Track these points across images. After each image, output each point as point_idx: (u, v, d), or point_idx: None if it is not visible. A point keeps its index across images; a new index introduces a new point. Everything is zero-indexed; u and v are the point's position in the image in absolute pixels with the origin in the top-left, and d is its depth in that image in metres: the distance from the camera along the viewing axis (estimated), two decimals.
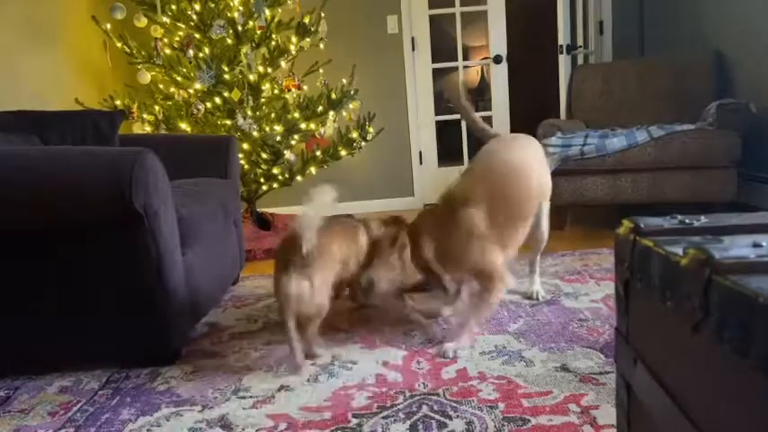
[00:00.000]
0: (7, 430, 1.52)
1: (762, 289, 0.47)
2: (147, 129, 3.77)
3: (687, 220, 0.73)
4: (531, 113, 4.97)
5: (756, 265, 0.53)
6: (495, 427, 1.37)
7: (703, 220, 0.72)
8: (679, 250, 0.62)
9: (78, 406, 1.65)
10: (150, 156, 1.77)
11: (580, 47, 4.97)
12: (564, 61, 4.74)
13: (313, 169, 4.17)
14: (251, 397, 1.63)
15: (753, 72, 3.55)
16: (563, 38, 4.73)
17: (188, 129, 3.77)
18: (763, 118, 3.29)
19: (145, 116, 3.78)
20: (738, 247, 0.57)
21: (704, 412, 0.58)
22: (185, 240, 1.98)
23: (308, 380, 1.71)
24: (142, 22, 3.78)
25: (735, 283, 0.50)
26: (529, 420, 1.39)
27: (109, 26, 3.74)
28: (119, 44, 3.76)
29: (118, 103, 3.77)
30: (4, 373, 1.88)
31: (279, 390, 1.66)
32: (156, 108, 3.82)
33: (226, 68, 3.73)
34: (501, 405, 1.47)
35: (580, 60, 5.02)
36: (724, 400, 0.54)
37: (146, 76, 3.82)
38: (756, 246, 0.58)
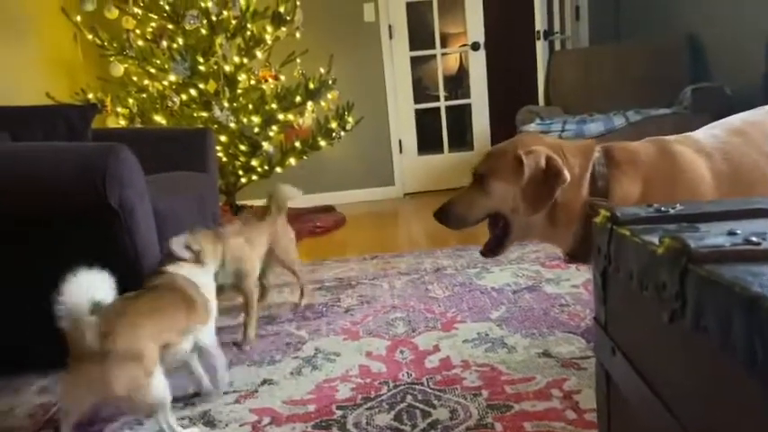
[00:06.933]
0: None
1: (737, 278, 0.48)
2: (122, 122, 3.71)
3: (663, 208, 0.73)
4: (510, 100, 4.99)
5: (732, 253, 0.53)
6: (478, 414, 1.37)
7: (679, 207, 0.73)
8: (655, 239, 0.62)
9: (58, 406, 1.62)
10: (124, 150, 1.74)
11: (557, 33, 4.98)
12: (541, 47, 4.75)
13: (292, 160, 4.15)
14: (234, 392, 1.61)
15: (727, 55, 3.59)
16: (540, 24, 4.74)
17: (163, 122, 3.72)
18: (738, 101, 3.33)
19: (119, 109, 3.71)
20: (714, 236, 0.58)
21: (681, 400, 0.58)
22: (163, 235, 1.95)
23: (292, 373, 1.70)
24: (113, 13, 3.70)
25: (711, 272, 0.50)
26: (512, 407, 1.40)
27: (79, 18, 3.66)
28: (90, 36, 3.68)
29: (90, 96, 3.70)
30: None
31: (262, 384, 1.65)
32: (131, 101, 3.76)
33: (201, 59, 3.68)
34: (484, 392, 1.48)
35: (557, 46, 5.03)
36: (701, 389, 0.54)
37: (118, 69, 3.75)
38: (732, 234, 0.58)
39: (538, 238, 1.49)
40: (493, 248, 1.47)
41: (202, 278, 1.60)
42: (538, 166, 1.31)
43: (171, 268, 1.56)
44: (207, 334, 1.55)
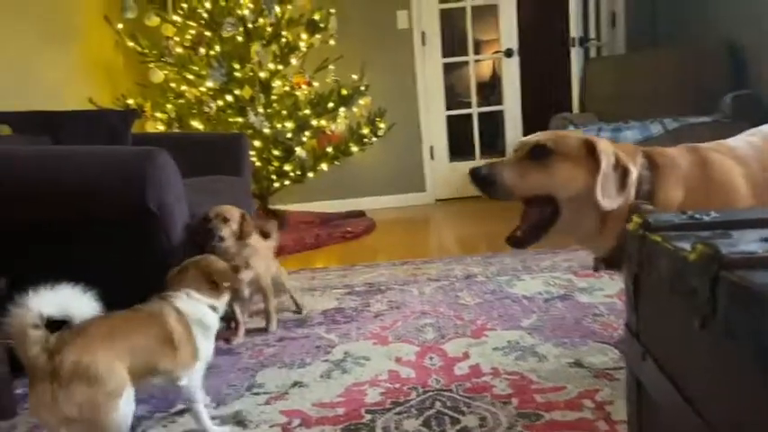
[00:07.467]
0: (26, 428, 1.55)
1: None
2: (160, 127, 3.81)
3: (697, 215, 0.72)
4: (543, 107, 4.95)
5: (764, 260, 0.53)
6: (508, 422, 1.36)
7: (713, 214, 0.72)
8: (687, 246, 0.61)
9: None
10: (163, 154, 1.79)
11: (592, 39, 4.93)
12: (576, 54, 4.70)
13: (324, 166, 4.19)
14: (265, 393, 1.64)
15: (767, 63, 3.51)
16: (575, 30, 4.70)
17: (200, 127, 3.80)
18: None
19: (157, 115, 3.82)
20: (746, 243, 0.57)
21: (712, 406, 0.58)
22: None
23: (322, 376, 1.72)
24: (153, 21, 3.82)
25: (742, 278, 0.50)
26: (542, 416, 1.38)
27: (121, 26, 3.78)
28: (131, 43, 3.79)
29: (131, 102, 3.81)
30: (21, 370, 1.90)
31: (292, 386, 1.67)
32: (169, 106, 3.86)
33: (237, 66, 3.75)
34: (514, 401, 1.47)
35: (592, 53, 4.98)
36: (731, 394, 0.54)
37: (158, 75, 3.85)
38: (764, 240, 0.57)
39: (578, 237, 1.37)
40: (528, 238, 1.33)
41: (205, 316, 1.46)
42: (609, 159, 1.23)
43: (175, 297, 1.44)
44: (188, 377, 1.40)
